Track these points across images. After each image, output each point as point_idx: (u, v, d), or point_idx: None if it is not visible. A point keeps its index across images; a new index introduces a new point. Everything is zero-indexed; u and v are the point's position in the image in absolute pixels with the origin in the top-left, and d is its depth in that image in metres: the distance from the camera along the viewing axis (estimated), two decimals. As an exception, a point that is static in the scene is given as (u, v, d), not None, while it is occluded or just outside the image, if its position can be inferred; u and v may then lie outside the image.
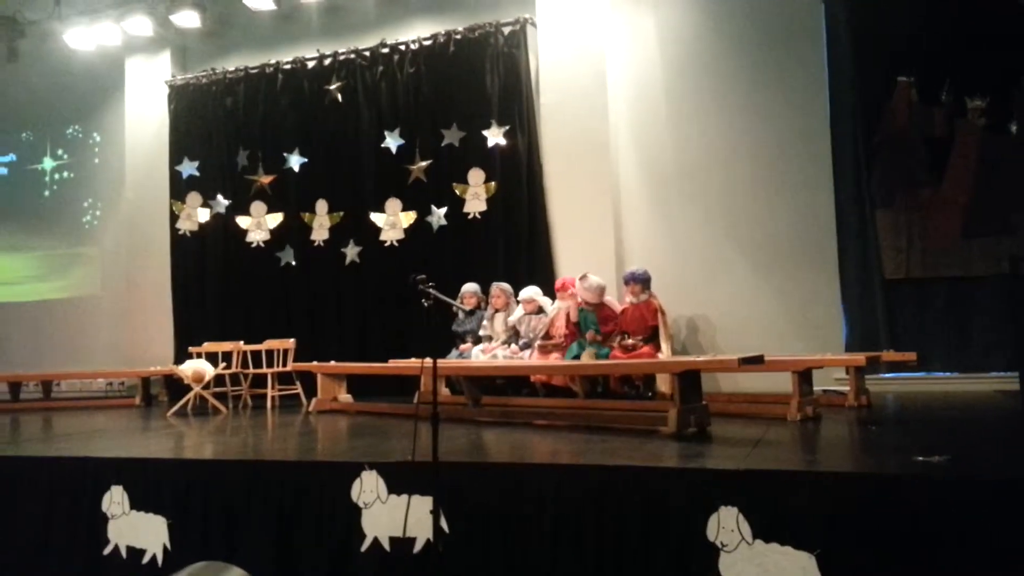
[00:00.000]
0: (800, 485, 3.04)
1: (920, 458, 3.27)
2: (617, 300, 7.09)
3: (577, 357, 6.69)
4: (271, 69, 9.25)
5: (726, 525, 3.03)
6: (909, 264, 7.30)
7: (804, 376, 5.17)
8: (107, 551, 4.12)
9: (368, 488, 3.68)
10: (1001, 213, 7.09)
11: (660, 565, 3.14)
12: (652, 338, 6.69)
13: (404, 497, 3.57)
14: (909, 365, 6.71)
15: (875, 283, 7.32)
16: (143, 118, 9.94)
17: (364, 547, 3.64)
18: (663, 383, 6.26)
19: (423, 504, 3.47)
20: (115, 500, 4.12)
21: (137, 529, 4.06)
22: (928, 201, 7.29)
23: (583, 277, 6.83)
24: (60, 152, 10.99)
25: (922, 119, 7.33)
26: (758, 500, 3.02)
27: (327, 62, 9.03)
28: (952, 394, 6.65)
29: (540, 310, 7.19)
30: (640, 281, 6.81)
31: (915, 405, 6.01)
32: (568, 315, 6.98)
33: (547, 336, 7.01)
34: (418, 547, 3.52)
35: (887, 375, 7.11)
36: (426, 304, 3.69)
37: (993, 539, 2.73)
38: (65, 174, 10.95)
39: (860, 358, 5.79)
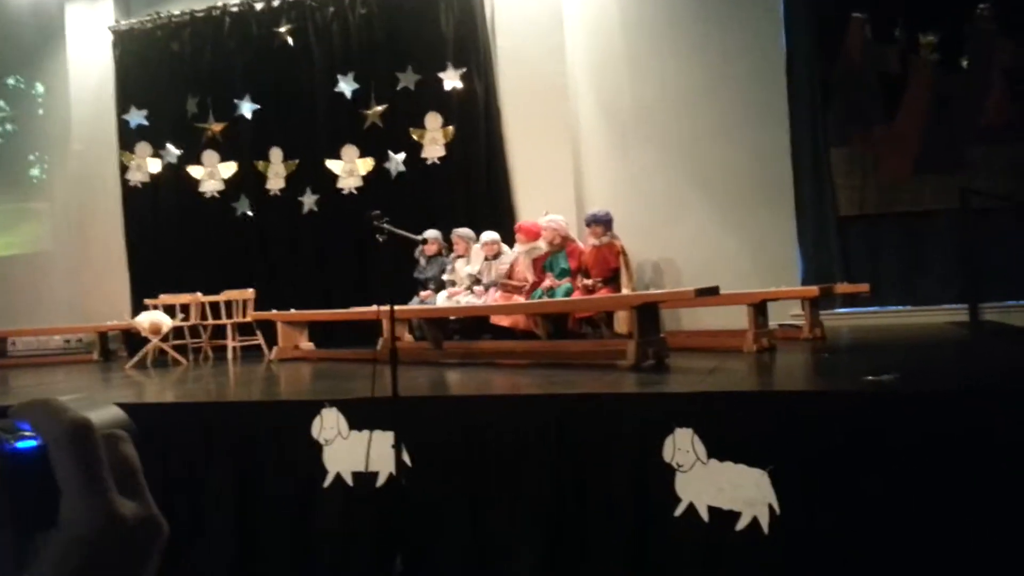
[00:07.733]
0: (752, 404, 3.12)
1: (870, 377, 3.36)
2: (579, 243, 7.10)
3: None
4: (218, 12, 8.94)
5: (681, 446, 3.09)
6: (863, 200, 7.42)
7: (759, 308, 5.26)
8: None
9: (328, 425, 3.69)
10: (953, 148, 7.21)
11: (618, 488, 3.21)
12: (613, 280, 6.72)
13: (365, 433, 3.59)
14: (863, 298, 6.87)
15: (830, 220, 7.43)
16: (87, 66, 9.58)
17: (327, 483, 3.66)
18: (622, 323, 6.32)
19: (384, 439, 3.49)
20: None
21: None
22: (882, 137, 7.39)
23: (545, 216, 6.88)
24: (2, 104, 10.57)
25: (876, 56, 7.38)
26: (711, 421, 3.08)
27: (275, 4, 8.74)
28: (905, 326, 6.82)
29: (499, 254, 7.19)
30: (602, 223, 6.79)
31: (868, 336, 6.16)
32: (533, 261, 6.97)
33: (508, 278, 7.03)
34: (381, 481, 3.55)
35: (842, 310, 7.27)
36: (381, 240, 3.66)
37: (939, 450, 2.82)
38: (8, 127, 10.56)
39: (813, 290, 5.91)
